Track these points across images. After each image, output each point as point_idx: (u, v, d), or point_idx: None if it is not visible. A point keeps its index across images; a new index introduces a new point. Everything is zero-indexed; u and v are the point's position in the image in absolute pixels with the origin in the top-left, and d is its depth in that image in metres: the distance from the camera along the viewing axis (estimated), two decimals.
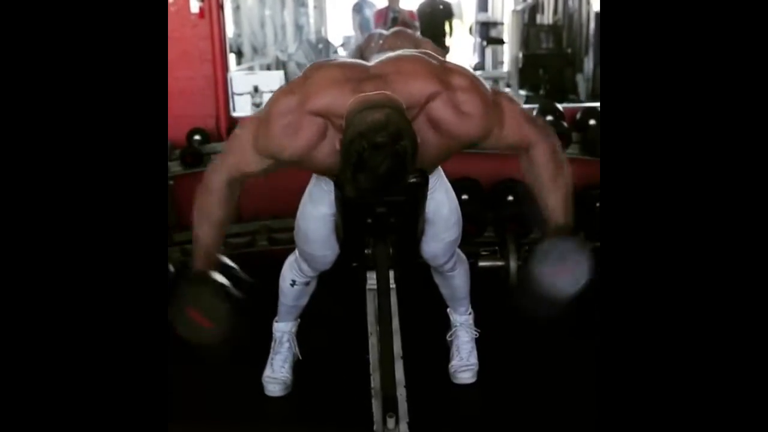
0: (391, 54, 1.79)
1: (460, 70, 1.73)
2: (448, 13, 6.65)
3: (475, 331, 2.37)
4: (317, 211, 2.02)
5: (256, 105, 3.72)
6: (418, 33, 5.58)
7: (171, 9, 3.30)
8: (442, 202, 2.04)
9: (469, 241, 2.90)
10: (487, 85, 1.77)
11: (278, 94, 1.75)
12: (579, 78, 6.07)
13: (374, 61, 1.79)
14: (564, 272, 1.66)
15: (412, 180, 1.55)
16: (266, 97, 3.75)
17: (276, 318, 2.31)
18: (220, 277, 1.73)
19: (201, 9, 3.34)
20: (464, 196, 3.11)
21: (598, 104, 3.65)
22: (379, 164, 1.48)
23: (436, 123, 1.66)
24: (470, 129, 1.68)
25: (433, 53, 1.79)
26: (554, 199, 1.74)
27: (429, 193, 1.89)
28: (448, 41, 6.56)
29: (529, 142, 1.74)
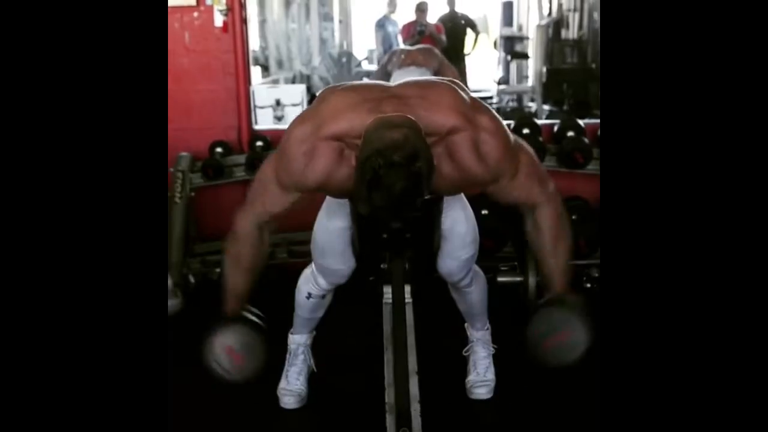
0: (419, 78, 1.78)
1: (489, 112, 1.70)
2: (469, 26, 6.67)
3: (492, 346, 2.35)
4: (333, 224, 2.03)
5: (278, 118, 3.75)
6: (444, 46, 5.61)
7: (195, 23, 3.36)
8: (458, 220, 2.03)
9: (488, 256, 2.89)
10: (511, 136, 1.72)
11: (292, 126, 1.73)
12: None
13: (398, 80, 1.78)
14: (559, 341, 1.70)
15: (426, 196, 1.54)
16: (288, 111, 3.78)
17: (291, 330, 2.32)
18: (252, 316, 1.78)
19: (225, 23, 3.38)
20: (483, 211, 3.09)
21: None
22: (393, 183, 1.46)
23: (453, 155, 1.64)
24: (483, 171, 1.65)
25: (463, 86, 1.76)
26: (553, 265, 1.75)
27: (445, 210, 1.88)
28: (467, 51, 6.60)
29: (536, 202, 1.73)
